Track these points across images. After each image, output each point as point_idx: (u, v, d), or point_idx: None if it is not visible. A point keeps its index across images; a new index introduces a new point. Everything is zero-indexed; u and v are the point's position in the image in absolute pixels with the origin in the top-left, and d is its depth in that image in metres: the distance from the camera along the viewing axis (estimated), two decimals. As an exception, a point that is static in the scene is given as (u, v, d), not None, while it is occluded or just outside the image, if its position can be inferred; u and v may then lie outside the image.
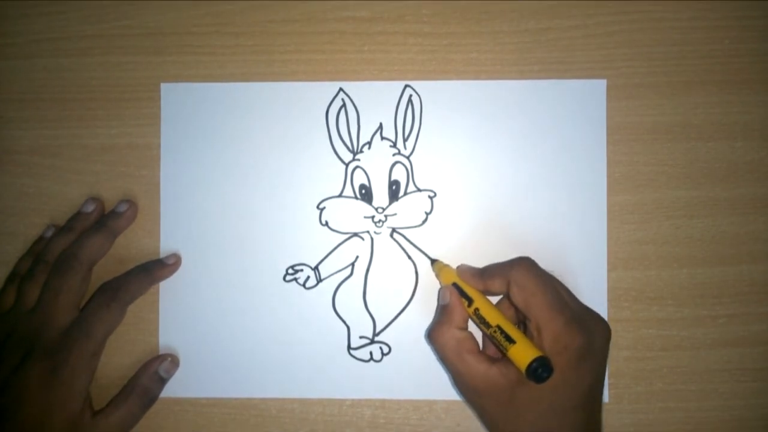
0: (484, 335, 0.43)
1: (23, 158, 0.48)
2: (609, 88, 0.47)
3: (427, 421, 0.46)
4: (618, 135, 0.46)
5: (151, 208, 0.47)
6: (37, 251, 0.46)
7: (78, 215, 0.46)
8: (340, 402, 0.46)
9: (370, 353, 0.46)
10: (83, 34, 0.48)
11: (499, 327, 0.40)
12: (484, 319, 0.41)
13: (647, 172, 0.47)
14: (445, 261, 0.46)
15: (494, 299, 0.44)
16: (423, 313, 0.46)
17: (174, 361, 0.46)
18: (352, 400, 0.46)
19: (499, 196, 0.46)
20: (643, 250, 0.46)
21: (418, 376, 0.46)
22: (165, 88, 0.47)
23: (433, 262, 0.46)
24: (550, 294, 0.40)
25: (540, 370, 0.37)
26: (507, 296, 0.41)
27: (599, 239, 0.46)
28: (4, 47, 0.48)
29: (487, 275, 0.42)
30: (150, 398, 0.45)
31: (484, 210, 0.46)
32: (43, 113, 0.48)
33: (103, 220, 0.46)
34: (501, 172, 0.46)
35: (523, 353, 0.38)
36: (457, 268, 0.45)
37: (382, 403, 0.46)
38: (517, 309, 0.41)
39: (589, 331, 0.40)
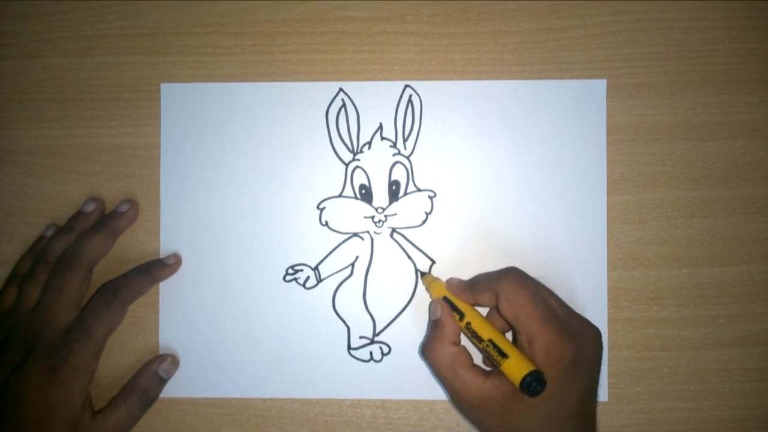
0: (478, 349, 0.42)
1: (23, 158, 0.48)
2: (609, 88, 0.46)
3: (427, 421, 0.46)
4: (618, 135, 0.46)
5: (151, 208, 0.47)
6: (37, 251, 0.46)
7: (78, 215, 0.46)
8: (340, 402, 0.46)
9: (370, 353, 0.46)
10: (83, 34, 0.48)
11: (491, 341, 0.40)
12: (476, 334, 0.41)
13: (647, 172, 0.47)
14: (446, 261, 0.46)
15: (483, 310, 0.44)
16: (423, 314, 0.46)
17: (174, 361, 0.46)
18: (352, 400, 0.46)
19: (499, 196, 0.46)
20: (643, 250, 0.46)
21: (418, 376, 0.46)
22: (165, 88, 0.47)
23: (423, 275, 0.46)
24: (539, 305, 0.40)
25: (534, 384, 0.37)
26: (496, 309, 0.41)
27: (599, 239, 0.46)
28: (4, 47, 0.48)
29: (476, 289, 0.42)
30: (150, 398, 0.45)
31: (483, 210, 0.46)
32: (42, 113, 0.48)
33: (104, 220, 0.46)
34: (501, 172, 0.46)
35: (516, 368, 0.38)
36: (447, 281, 0.45)
37: (382, 403, 0.46)
38: (507, 321, 0.41)
39: (580, 339, 0.40)
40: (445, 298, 0.43)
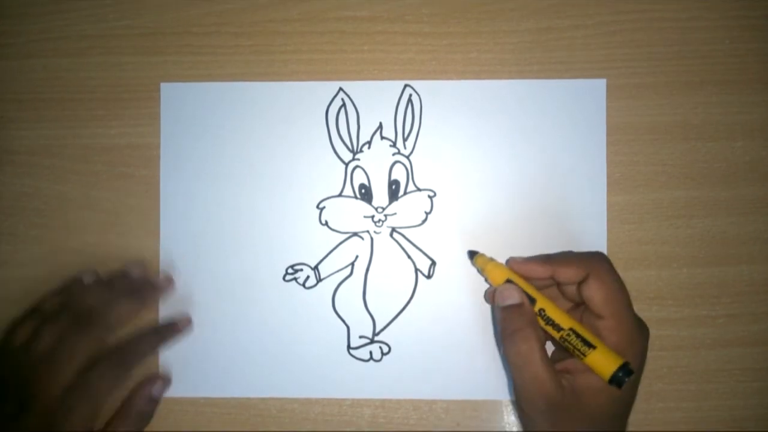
0: (551, 339, 0.41)
1: (23, 158, 0.48)
2: (609, 88, 0.47)
3: (427, 421, 0.46)
4: (618, 135, 0.46)
5: (151, 208, 0.47)
6: (67, 292, 0.44)
7: (121, 273, 0.45)
8: (340, 402, 0.46)
9: (370, 353, 0.46)
10: (83, 34, 0.48)
11: (573, 330, 0.38)
12: (553, 321, 0.39)
13: (647, 172, 0.47)
14: (446, 261, 0.46)
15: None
16: (423, 313, 0.46)
17: (165, 381, 0.45)
18: (352, 399, 0.46)
19: (498, 196, 0.46)
20: (643, 250, 0.46)
21: (418, 375, 0.46)
22: (165, 88, 0.47)
23: (474, 254, 0.44)
24: (626, 293, 0.39)
25: (623, 376, 0.36)
26: (577, 288, 0.40)
27: (599, 239, 0.46)
28: (4, 47, 0.48)
29: (558, 262, 0.40)
30: (146, 418, 0.44)
31: (483, 210, 0.46)
32: (42, 113, 0.48)
33: (141, 286, 0.45)
34: (501, 171, 0.46)
35: (604, 359, 0.37)
36: (509, 261, 0.42)
37: (382, 403, 0.46)
38: (589, 304, 0.39)
39: (647, 334, 0.40)
40: (508, 281, 0.41)
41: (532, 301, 0.40)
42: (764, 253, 0.46)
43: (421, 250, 0.46)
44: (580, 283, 0.40)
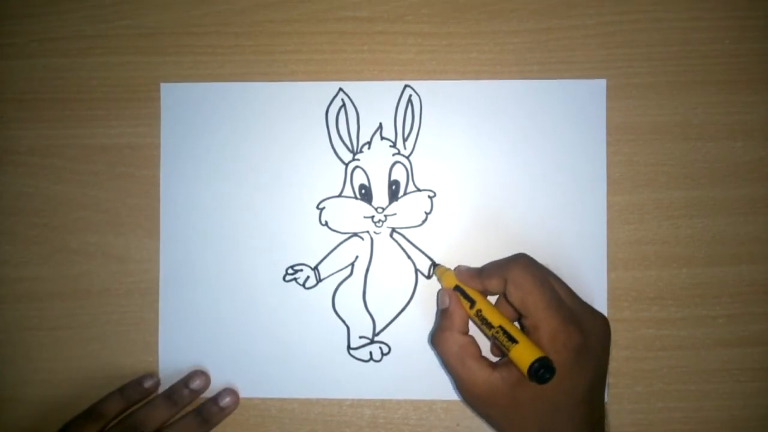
0: (487, 337, 0.42)
1: (23, 158, 0.48)
2: (609, 88, 0.46)
3: (426, 421, 0.46)
4: (618, 135, 0.46)
5: (151, 208, 0.47)
6: (128, 398, 0.44)
7: (182, 383, 0.45)
8: (340, 402, 0.46)
9: (370, 353, 0.46)
10: (83, 34, 0.48)
11: (501, 327, 0.40)
12: (486, 320, 0.41)
13: (647, 172, 0.47)
14: (446, 261, 0.46)
15: (493, 299, 0.44)
16: (423, 313, 0.46)
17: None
18: (352, 400, 0.46)
19: (498, 196, 0.46)
20: (643, 250, 0.46)
21: (418, 376, 0.46)
22: (165, 88, 0.47)
23: (435, 266, 0.46)
24: (547, 292, 0.40)
25: (542, 370, 0.37)
26: (504, 295, 0.41)
27: (599, 239, 0.46)
28: (4, 47, 0.48)
29: (485, 275, 0.42)
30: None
31: (483, 210, 0.46)
32: (42, 113, 0.48)
33: (206, 405, 0.45)
34: (501, 172, 0.46)
35: (524, 353, 0.38)
36: (455, 268, 0.44)
37: (382, 403, 0.46)
38: (514, 307, 0.41)
39: (586, 328, 0.40)
40: (457, 288, 0.43)
41: (473, 303, 0.42)
42: (764, 253, 0.46)
43: (421, 251, 0.46)
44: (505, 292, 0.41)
